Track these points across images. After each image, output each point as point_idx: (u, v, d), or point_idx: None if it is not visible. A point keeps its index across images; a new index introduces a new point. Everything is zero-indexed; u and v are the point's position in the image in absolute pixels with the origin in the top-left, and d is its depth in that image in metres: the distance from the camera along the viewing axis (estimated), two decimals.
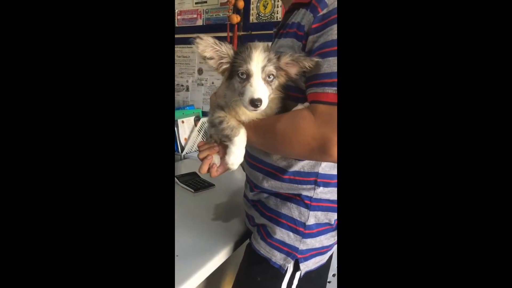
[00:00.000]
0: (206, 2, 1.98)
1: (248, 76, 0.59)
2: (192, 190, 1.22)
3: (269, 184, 0.75)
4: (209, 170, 0.72)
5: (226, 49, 0.62)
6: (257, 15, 1.78)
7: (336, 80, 0.55)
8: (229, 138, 0.66)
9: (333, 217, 0.74)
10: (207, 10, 1.98)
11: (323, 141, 0.55)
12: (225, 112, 0.67)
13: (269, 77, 0.60)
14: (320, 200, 0.71)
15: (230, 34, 1.81)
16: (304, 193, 0.71)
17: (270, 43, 0.69)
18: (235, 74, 0.61)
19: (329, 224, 0.74)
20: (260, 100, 0.57)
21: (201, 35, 0.60)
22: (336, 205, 0.73)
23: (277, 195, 0.75)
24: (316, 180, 0.70)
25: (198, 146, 0.75)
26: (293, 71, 0.63)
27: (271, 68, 0.60)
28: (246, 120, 0.67)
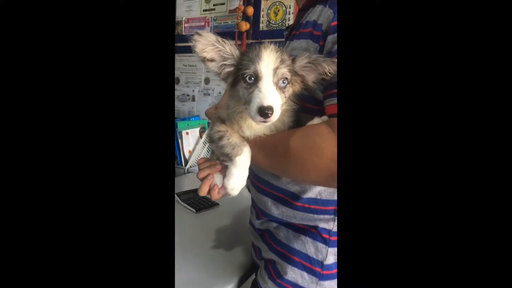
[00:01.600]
0: (214, 9, 1.91)
1: (256, 79, 0.48)
2: (194, 210, 1.11)
3: (279, 211, 0.63)
4: (209, 192, 0.61)
5: (231, 49, 0.51)
6: (267, 23, 1.70)
7: None
8: (230, 158, 0.54)
9: None
10: (215, 18, 1.91)
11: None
12: (227, 126, 0.56)
13: (282, 82, 0.49)
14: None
15: (239, 42, 1.73)
16: (322, 225, 0.59)
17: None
18: (241, 78, 0.50)
19: None
20: (271, 109, 0.46)
21: (200, 31, 0.49)
22: None
23: (289, 225, 0.63)
24: (336, 209, 0.58)
25: (198, 164, 0.64)
26: (310, 77, 0.52)
27: (284, 71, 0.49)
28: (252, 136, 0.55)
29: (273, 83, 0.48)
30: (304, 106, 0.56)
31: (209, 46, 0.50)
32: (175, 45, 2.14)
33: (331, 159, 0.45)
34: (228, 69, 0.52)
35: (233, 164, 0.54)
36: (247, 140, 0.55)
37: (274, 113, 0.46)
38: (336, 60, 0.48)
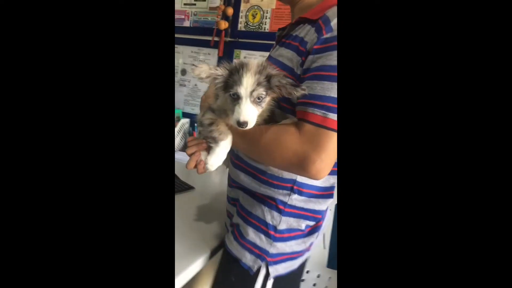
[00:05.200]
0: (195, 4, 1.99)
1: (238, 97, 0.63)
2: None
3: (247, 182, 0.78)
4: (195, 167, 0.75)
5: (221, 71, 0.65)
6: (245, 24, 1.82)
7: (328, 104, 0.58)
8: (216, 141, 0.69)
9: (304, 223, 0.77)
10: (195, 13, 1.99)
11: (303, 158, 0.59)
12: (216, 115, 0.70)
13: (258, 98, 0.63)
14: (293, 207, 0.74)
15: (217, 39, 1.84)
16: (280, 197, 0.74)
17: (263, 60, 0.71)
18: (228, 91, 0.64)
19: (300, 230, 0.77)
20: (245, 123, 0.61)
21: (197, 63, 0.63)
22: (308, 213, 0.77)
23: (254, 195, 0.78)
24: (293, 187, 0.73)
25: (188, 141, 0.78)
26: (283, 92, 0.65)
27: (260, 92, 0.62)
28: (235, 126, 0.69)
29: (250, 101, 0.63)
30: (281, 105, 0.70)
31: (203, 72, 0.64)
32: None
33: (293, 152, 0.61)
34: (219, 85, 0.67)
35: (218, 146, 0.70)
36: (231, 128, 0.70)
37: (249, 124, 0.62)
38: (304, 89, 0.61)
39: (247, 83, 0.62)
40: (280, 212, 0.74)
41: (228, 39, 1.84)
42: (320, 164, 0.59)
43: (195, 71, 0.64)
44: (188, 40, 2.03)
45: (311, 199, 0.75)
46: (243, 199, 0.81)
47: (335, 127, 0.58)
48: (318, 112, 0.59)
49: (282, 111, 0.70)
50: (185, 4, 2.03)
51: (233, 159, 0.82)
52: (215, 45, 1.85)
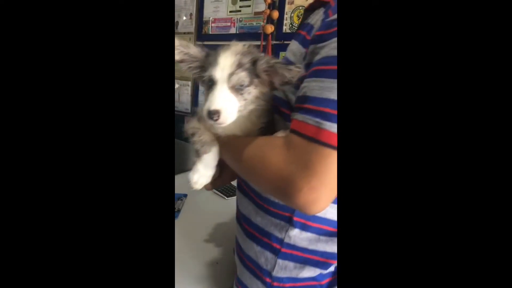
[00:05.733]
0: (240, 11, 2.03)
1: (213, 83, 0.50)
2: (225, 197, 1.27)
3: (245, 205, 0.62)
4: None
5: (195, 51, 0.53)
6: (290, 25, 1.81)
7: (324, 109, 0.41)
8: (198, 154, 0.56)
9: (313, 271, 0.55)
10: (240, 19, 2.03)
11: (287, 182, 0.42)
12: (200, 123, 0.57)
13: (240, 86, 0.49)
14: (293, 246, 0.54)
15: (264, 43, 1.86)
16: (275, 232, 0.55)
17: (251, 43, 0.57)
18: (203, 77, 0.52)
19: (310, 279, 0.56)
20: (217, 112, 0.47)
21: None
22: (316, 257, 0.55)
23: (249, 227, 0.61)
24: (292, 217, 0.53)
25: None
26: (276, 80, 0.51)
27: (241, 75, 0.49)
28: (223, 135, 0.56)
29: (228, 88, 0.49)
30: (280, 110, 0.54)
31: (176, 50, 0.52)
32: (202, 43, 2.29)
33: (277, 173, 0.44)
34: (195, 70, 0.54)
35: (199, 161, 0.56)
36: (219, 137, 0.56)
37: (222, 116, 0.48)
38: (294, 67, 0.47)
39: (224, 63, 0.49)
40: (275, 253, 0.55)
41: (275, 42, 1.85)
42: (309, 193, 0.41)
43: None
44: None
45: (321, 237, 0.54)
46: (239, 233, 0.65)
47: (333, 142, 0.40)
48: (311, 120, 0.42)
49: (283, 118, 0.54)
50: (230, 11, 2.08)
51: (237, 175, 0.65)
52: (265, 50, 1.87)
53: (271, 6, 1.83)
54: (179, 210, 1.12)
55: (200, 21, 2.28)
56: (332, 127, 0.40)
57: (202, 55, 0.53)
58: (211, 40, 2.23)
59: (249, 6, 1.97)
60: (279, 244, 0.55)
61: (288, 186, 0.42)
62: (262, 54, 0.52)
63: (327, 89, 0.41)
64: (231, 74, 0.48)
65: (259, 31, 1.87)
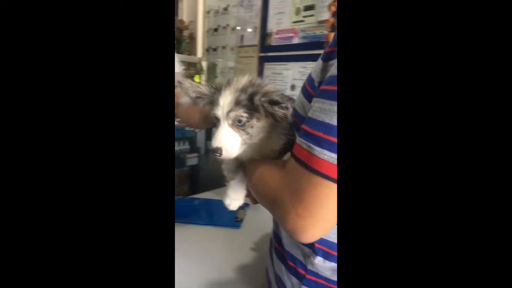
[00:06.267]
0: (303, 21, 2.02)
1: (218, 121, 0.53)
2: None
3: (276, 224, 0.62)
4: None
5: (205, 90, 0.57)
6: None
7: (317, 133, 0.38)
8: (227, 180, 0.62)
9: None
10: (303, 29, 2.02)
11: (278, 204, 0.43)
12: None
13: (239, 121, 0.51)
14: (316, 274, 0.52)
15: None
16: (300, 258, 0.54)
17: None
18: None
19: None
20: (218, 149, 0.51)
21: (181, 79, 0.59)
22: None
23: (279, 247, 0.60)
24: (314, 244, 0.51)
25: None
26: (274, 115, 0.51)
27: (238, 113, 0.50)
28: (244, 158, 0.59)
29: (229, 125, 0.52)
30: (299, 127, 0.51)
31: (190, 89, 0.57)
32: (265, 55, 2.33)
33: (271, 193, 0.45)
34: (208, 106, 0.58)
35: (228, 186, 0.62)
36: (243, 163, 0.60)
37: (224, 152, 0.51)
38: (285, 107, 0.47)
39: (223, 102, 0.52)
40: (300, 278, 0.54)
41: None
42: (296, 219, 0.39)
43: (182, 89, 0.57)
44: (297, 56, 2.07)
45: None
46: (271, 251, 0.64)
47: (323, 170, 0.37)
48: (304, 144, 0.40)
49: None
50: (293, 22, 2.08)
51: None
52: None
53: (335, 15, 1.79)
54: (242, 220, 1.12)
55: (264, 33, 2.33)
56: (322, 153, 0.37)
57: (211, 92, 0.57)
58: (273, 51, 2.26)
59: (313, 15, 1.95)
60: (303, 270, 0.53)
61: (279, 208, 0.43)
62: (268, 88, 0.53)
63: (324, 111, 0.38)
64: (229, 112, 0.51)
65: (323, 40, 1.84)
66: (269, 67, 2.31)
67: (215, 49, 2.81)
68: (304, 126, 0.42)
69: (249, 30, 2.47)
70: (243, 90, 0.52)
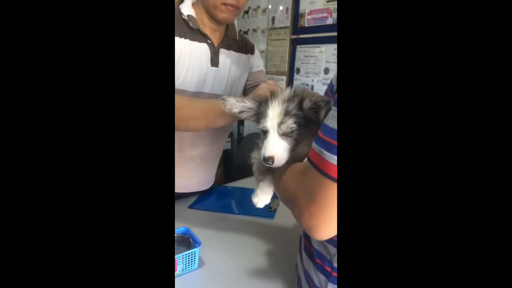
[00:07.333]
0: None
1: (266, 131, 0.57)
2: None
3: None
4: None
5: (249, 104, 0.62)
6: None
7: (327, 139, 0.41)
8: (257, 180, 0.65)
9: None
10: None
11: (294, 203, 0.46)
12: (259, 153, 0.63)
13: (291, 132, 0.55)
14: None
15: None
16: (326, 255, 0.56)
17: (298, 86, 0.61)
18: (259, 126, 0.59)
19: None
20: (271, 159, 0.55)
21: (225, 96, 0.63)
22: None
23: (307, 239, 0.63)
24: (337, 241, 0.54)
25: None
26: (323, 113, 0.52)
27: (289, 123, 0.55)
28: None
29: (279, 135, 0.55)
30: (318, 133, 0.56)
31: (234, 105, 0.62)
32: (298, 36, 2.26)
33: (289, 193, 0.50)
34: (252, 118, 0.63)
35: (257, 186, 0.66)
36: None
37: (276, 160, 0.55)
38: (326, 99, 0.50)
39: (273, 114, 0.56)
40: (326, 275, 0.56)
41: None
42: (310, 218, 0.43)
43: (226, 106, 0.61)
44: (332, 38, 1.99)
45: None
46: (300, 246, 0.67)
47: (332, 173, 0.40)
48: (317, 148, 0.43)
49: None
50: (327, 1, 1.99)
51: None
52: None
53: None
54: (275, 210, 1.13)
55: (296, 14, 2.25)
56: (331, 158, 0.40)
57: (256, 105, 0.61)
58: (306, 33, 2.19)
59: None
60: (330, 267, 0.56)
61: (295, 207, 0.46)
62: (310, 92, 0.57)
63: (335, 119, 0.41)
64: (280, 124, 0.55)
65: None
66: (301, 50, 2.25)
67: (245, 32, 2.76)
68: (319, 132, 0.45)
69: (281, 8, 2.39)
70: (290, 100, 0.56)
